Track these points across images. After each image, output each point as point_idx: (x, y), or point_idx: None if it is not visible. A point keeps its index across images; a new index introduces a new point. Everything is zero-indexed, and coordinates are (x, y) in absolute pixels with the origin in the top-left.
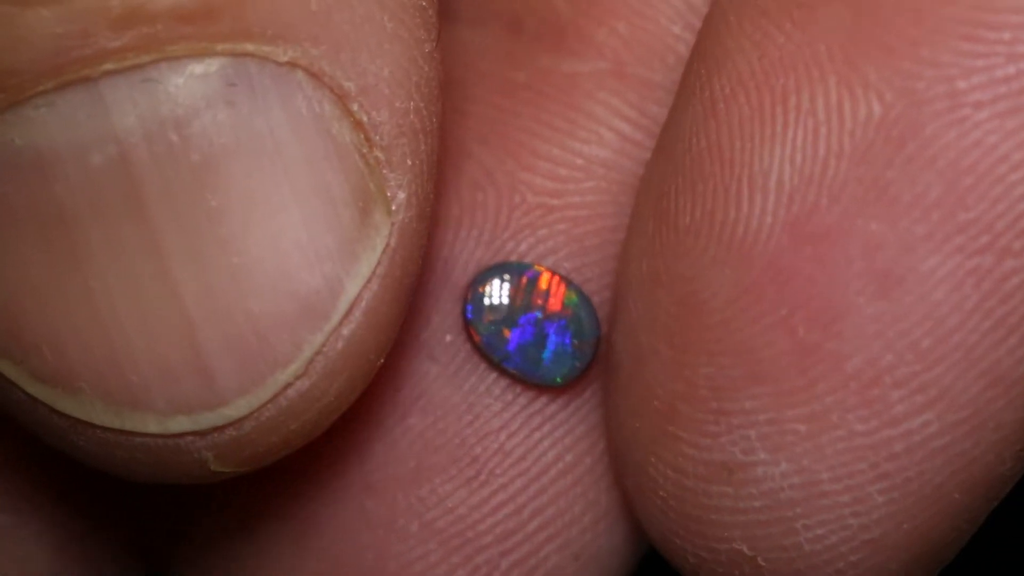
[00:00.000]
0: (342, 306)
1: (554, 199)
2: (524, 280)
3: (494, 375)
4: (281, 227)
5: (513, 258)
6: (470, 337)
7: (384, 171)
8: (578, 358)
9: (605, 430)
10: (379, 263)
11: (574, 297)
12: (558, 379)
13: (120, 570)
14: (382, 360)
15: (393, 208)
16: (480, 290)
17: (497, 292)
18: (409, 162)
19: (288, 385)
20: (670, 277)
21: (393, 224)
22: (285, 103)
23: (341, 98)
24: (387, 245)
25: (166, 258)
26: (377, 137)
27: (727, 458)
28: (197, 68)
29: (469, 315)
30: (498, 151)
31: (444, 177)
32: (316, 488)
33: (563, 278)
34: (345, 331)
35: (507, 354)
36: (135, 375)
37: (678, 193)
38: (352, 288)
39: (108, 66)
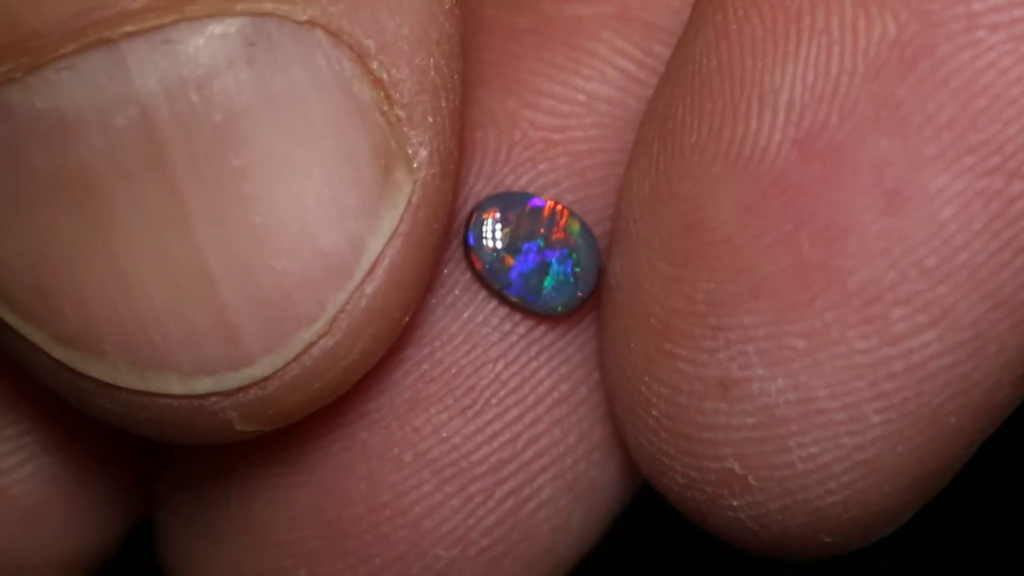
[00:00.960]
0: (365, 264)
1: (556, 134)
2: (527, 208)
3: (492, 305)
4: (303, 186)
5: (515, 190)
6: (471, 264)
7: (405, 129)
8: (579, 287)
9: (601, 358)
10: (401, 221)
11: (576, 226)
12: (559, 308)
13: (106, 512)
14: (407, 318)
15: (415, 166)
16: (483, 217)
17: (500, 220)
18: (430, 119)
19: (312, 344)
20: (673, 195)
21: (415, 182)
22: (305, 62)
23: (361, 56)
24: (409, 203)
25: (190, 218)
26: (397, 95)
27: (723, 374)
28: (217, 28)
29: (471, 242)
30: (499, 91)
31: None
32: (308, 419)
33: (565, 207)
34: (368, 289)
35: (509, 281)
36: (159, 336)
37: (685, 113)
38: (375, 246)
39: (128, 28)
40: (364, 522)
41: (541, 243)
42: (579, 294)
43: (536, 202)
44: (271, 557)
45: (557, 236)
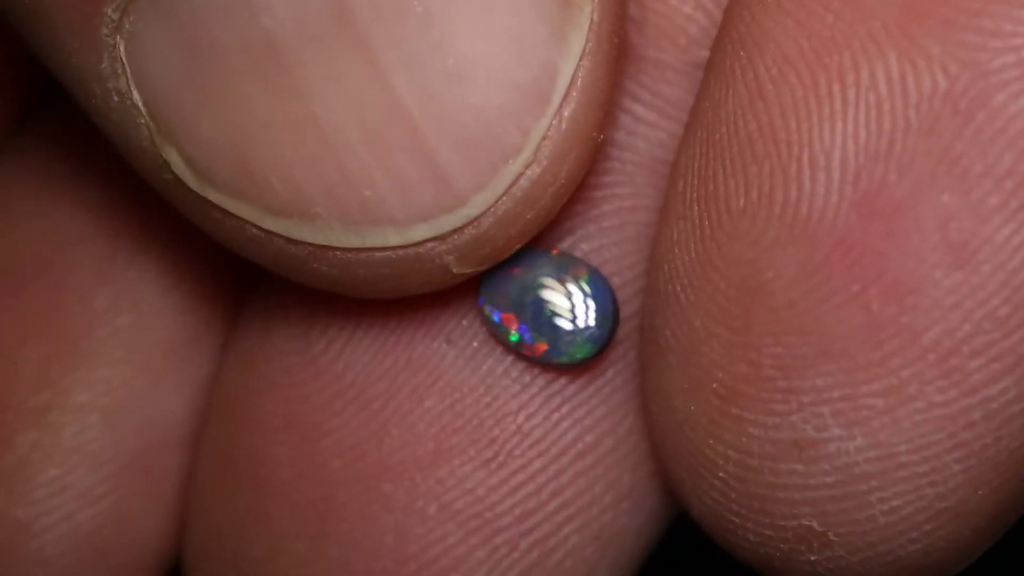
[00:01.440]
0: (560, 88)
1: None
2: (550, 262)
3: (511, 359)
4: (490, 21)
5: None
6: (487, 324)
7: None
8: (598, 340)
9: (643, 414)
10: (587, 40)
11: (597, 283)
12: (579, 355)
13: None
14: (602, 137)
15: None
16: (498, 275)
17: (511, 275)
18: None
19: (520, 175)
20: (726, 261)
21: (594, 1)
22: None
23: None
24: (591, 22)
25: (384, 71)
26: None
27: (797, 436)
28: None
29: (481, 301)
30: None
31: None
32: (334, 473)
33: (585, 262)
34: (566, 112)
35: (527, 333)
36: (370, 191)
37: (727, 177)
38: (567, 69)
39: None
40: (392, 575)
41: (560, 297)
42: (596, 347)
43: (546, 254)
44: None
45: (577, 291)
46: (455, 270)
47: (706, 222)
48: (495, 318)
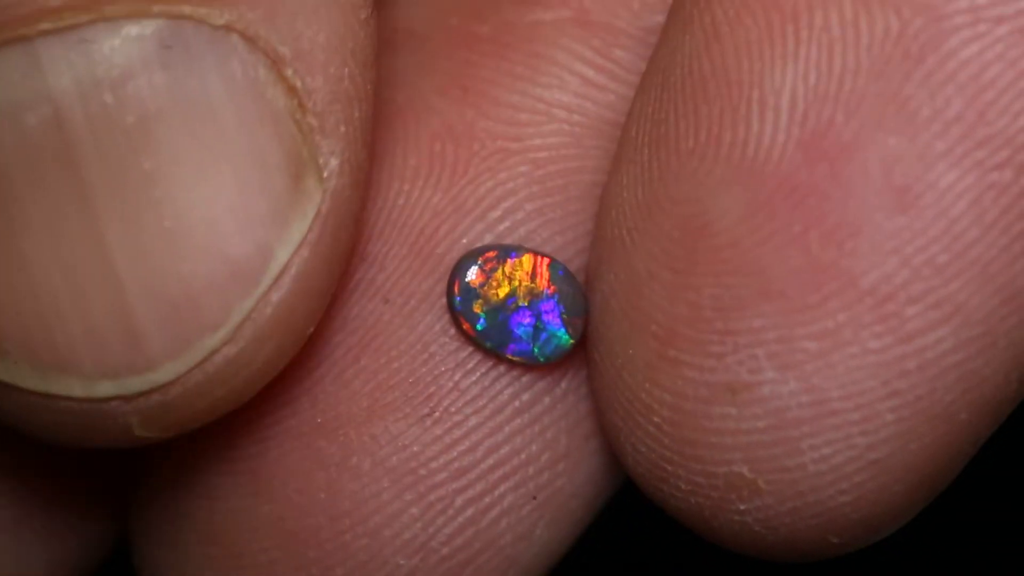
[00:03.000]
0: (272, 271)
1: (514, 143)
2: (508, 264)
3: (449, 315)
4: (214, 191)
5: (471, 203)
6: (459, 326)
7: (317, 137)
8: (571, 335)
9: (587, 364)
10: (310, 230)
11: (558, 275)
12: (553, 358)
13: (86, 534)
14: (311, 329)
15: (325, 175)
16: (468, 283)
17: (484, 283)
18: (343, 129)
19: (215, 351)
20: (672, 201)
21: (325, 191)
22: (220, 67)
23: (276, 63)
24: (319, 212)
25: (99, 220)
26: (311, 103)
27: (732, 378)
28: (133, 29)
29: (458, 307)
30: (457, 101)
31: (404, 130)
32: (267, 429)
33: (544, 256)
34: (274, 297)
35: (504, 340)
36: (63, 338)
37: (678, 118)
38: (283, 254)
39: (45, 25)
40: (324, 532)
41: (527, 297)
42: (571, 341)
43: (515, 255)
44: (234, 568)
45: (541, 287)
46: (137, 433)
47: (655, 164)
48: (458, 307)
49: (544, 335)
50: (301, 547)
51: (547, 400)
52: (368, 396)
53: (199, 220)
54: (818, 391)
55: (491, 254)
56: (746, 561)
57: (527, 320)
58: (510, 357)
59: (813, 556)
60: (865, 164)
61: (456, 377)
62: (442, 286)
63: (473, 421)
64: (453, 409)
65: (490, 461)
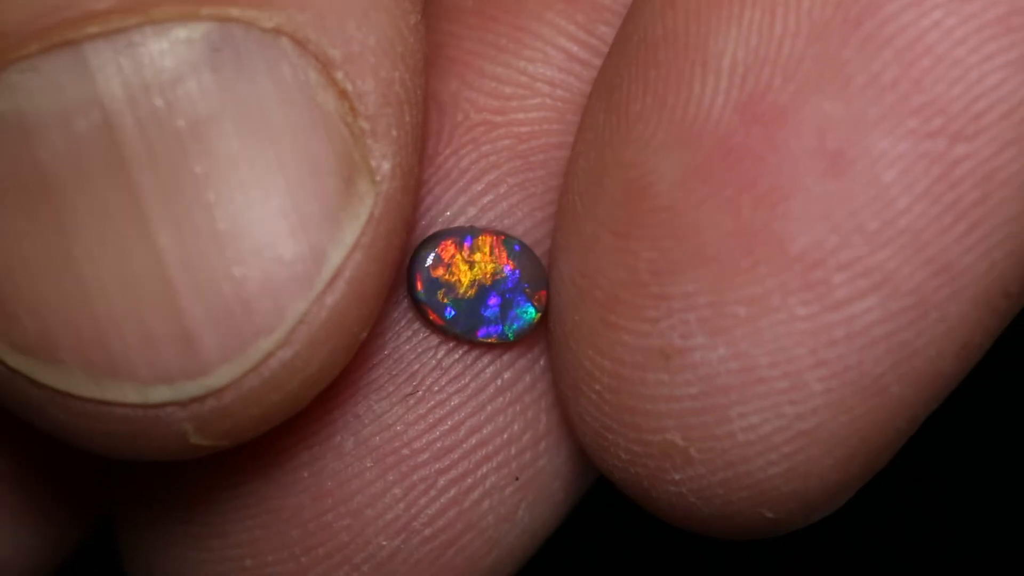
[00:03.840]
0: (326, 275)
1: (497, 116)
2: (465, 248)
3: (411, 307)
4: (266, 194)
5: (454, 175)
6: (425, 317)
7: (368, 141)
8: (536, 309)
9: (547, 337)
10: (363, 233)
11: (515, 251)
12: (523, 335)
13: (69, 517)
14: (365, 334)
15: (377, 179)
16: (432, 275)
17: (447, 272)
18: (394, 133)
19: (271, 354)
20: (617, 164)
21: (377, 194)
22: (270, 70)
23: (326, 66)
24: (371, 215)
25: (150, 225)
26: (362, 107)
27: (665, 343)
28: (182, 33)
29: (423, 299)
30: (442, 73)
31: None
32: None
33: (500, 234)
34: (328, 300)
35: (475, 325)
36: (117, 343)
37: (630, 82)
38: (336, 257)
39: (92, 29)
40: (307, 511)
41: (489, 278)
42: (537, 315)
43: (470, 238)
44: (217, 547)
45: (501, 265)
46: (193, 440)
47: (607, 129)
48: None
49: (512, 312)
50: (284, 526)
51: (528, 378)
52: (351, 374)
53: (252, 223)
54: (746, 358)
55: (448, 242)
56: (732, 549)
57: (494, 301)
58: (481, 340)
59: (751, 532)
60: (799, 128)
61: (439, 355)
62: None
63: (456, 400)
64: (436, 388)
65: (473, 441)
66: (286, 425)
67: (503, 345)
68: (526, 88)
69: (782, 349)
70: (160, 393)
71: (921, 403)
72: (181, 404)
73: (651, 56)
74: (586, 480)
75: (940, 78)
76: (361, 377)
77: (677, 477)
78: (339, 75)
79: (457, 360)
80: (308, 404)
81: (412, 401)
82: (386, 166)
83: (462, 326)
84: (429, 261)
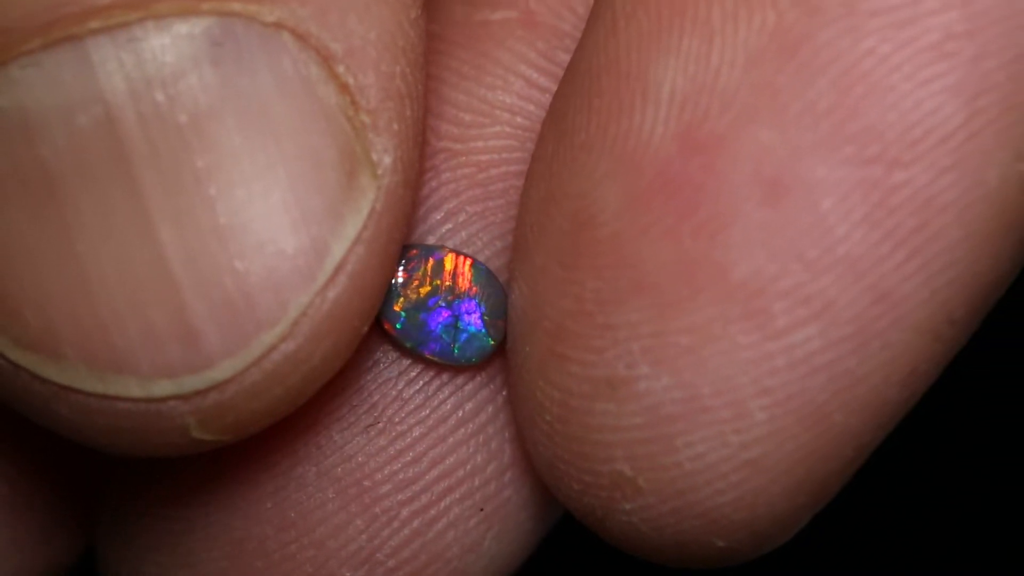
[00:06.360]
0: (328, 268)
1: (457, 144)
2: (430, 262)
3: None
4: (268, 188)
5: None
6: (379, 325)
7: (370, 134)
8: (492, 336)
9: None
10: (365, 227)
11: (480, 276)
12: (474, 359)
13: (54, 543)
14: (367, 328)
15: (379, 172)
16: (393, 284)
17: (405, 280)
18: (395, 126)
19: (273, 347)
20: (564, 195)
21: (379, 188)
22: (271, 64)
23: (327, 60)
24: (373, 209)
25: (153, 219)
26: (363, 101)
27: (611, 373)
28: (183, 27)
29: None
30: None
31: None
32: None
33: (467, 257)
34: (331, 293)
35: (423, 339)
36: (120, 338)
37: (575, 112)
38: (338, 250)
39: (94, 24)
40: (271, 541)
41: (449, 298)
42: (491, 343)
43: (438, 255)
44: None
45: (462, 287)
46: (195, 434)
47: (555, 159)
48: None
49: (464, 335)
50: (249, 557)
51: (490, 409)
52: (313, 404)
53: (254, 217)
54: (690, 387)
55: (414, 252)
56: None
57: (444, 318)
58: (428, 357)
59: (705, 561)
60: (737, 156)
61: (399, 386)
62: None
63: (417, 431)
64: (396, 419)
65: (435, 472)
66: (250, 455)
67: (457, 368)
68: (486, 116)
69: (725, 378)
70: (163, 387)
71: (867, 431)
72: (183, 398)
73: (594, 85)
74: (558, 508)
75: (876, 105)
76: (322, 408)
77: (628, 507)
78: (340, 69)
79: (418, 391)
80: (268, 435)
81: (373, 432)
82: (387, 160)
83: (412, 339)
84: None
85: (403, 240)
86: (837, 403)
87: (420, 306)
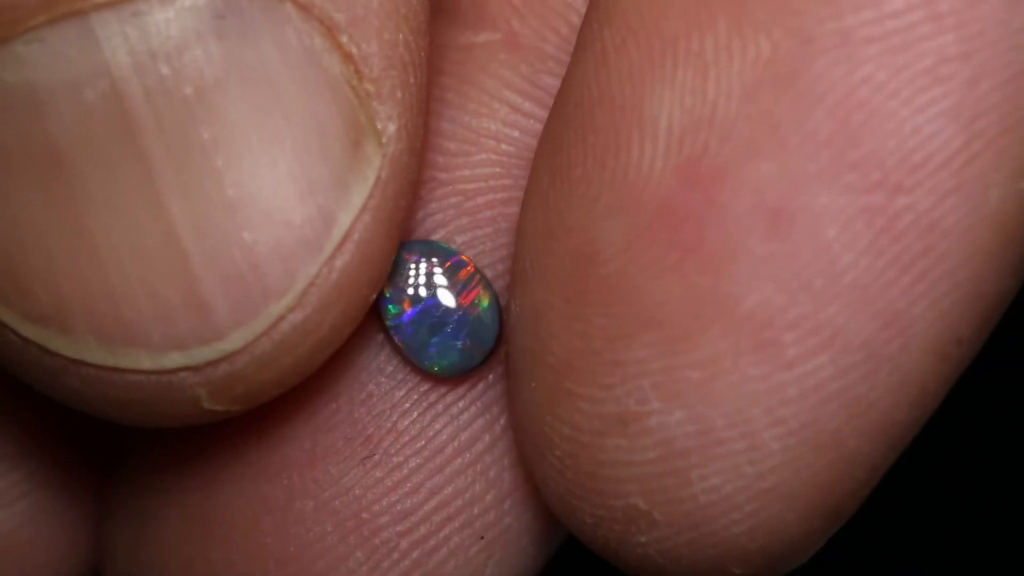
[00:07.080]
0: (335, 237)
1: (443, 173)
2: (447, 264)
3: (385, 354)
4: (274, 158)
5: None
6: (381, 320)
7: (374, 103)
8: (464, 359)
9: (507, 402)
10: (371, 195)
11: (485, 302)
12: (436, 368)
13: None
14: (374, 296)
15: (384, 141)
16: (406, 257)
17: (418, 268)
18: (399, 95)
19: (282, 317)
20: (564, 230)
21: (384, 156)
22: (275, 36)
23: (330, 30)
24: (378, 177)
25: (161, 192)
26: (367, 69)
27: (621, 410)
28: (187, 1)
29: (386, 295)
30: None
31: None
32: (215, 474)
33: (483, 277)
34: (338, 263)
35: (401, 323)
36: (130, 311)
37: (570, 146)
38: (345, 219)
39: None
40: None
41: (447, 302)
42: (458, 364)
43: (458, 261)
44: None
45: (463, 302)
46: (206, 405)
47: (552, 192)
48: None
49: (438, 343)
50: None
51: (487, 438)
52: (309, 438)
53: (261, 187)
54: (703, 420)
55: (435, 249)
56: None
57: (431, 320)
58: (396, 342)
59: None
60: (738, 189)
61: (393, 418)
62: (375, 324)
63: (413, 463)
64: (392, 451)
65: (433, 503)
66: (249, 491)
67: (448, 387)
68: (471, 143)
69: (738, 410)
70: (173, 359)
71: (879, 454)
72: (194, 369)
73: (588, 119)
74: (561, 531)
75: (875, 132)
76: (318, 442)
77: (643, 540)
78: (344, 39)
79: (413, 422)
80: (266, 471)
81: (370, 465)
82: (392, 128)
83: (401, 336)
84: (410, 268)
85: (409, 209)
86: (850, 429)
87: (415, 296)
